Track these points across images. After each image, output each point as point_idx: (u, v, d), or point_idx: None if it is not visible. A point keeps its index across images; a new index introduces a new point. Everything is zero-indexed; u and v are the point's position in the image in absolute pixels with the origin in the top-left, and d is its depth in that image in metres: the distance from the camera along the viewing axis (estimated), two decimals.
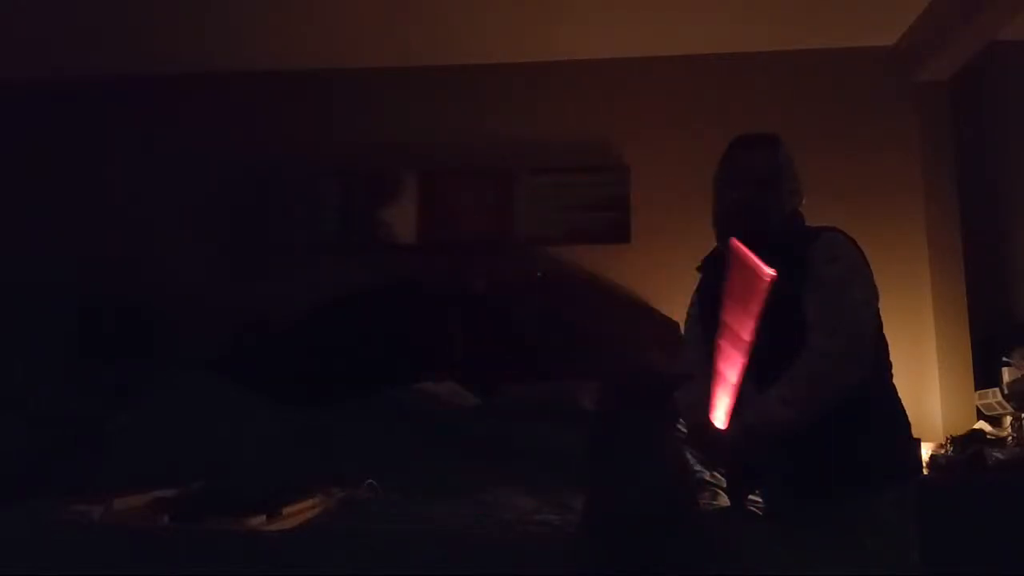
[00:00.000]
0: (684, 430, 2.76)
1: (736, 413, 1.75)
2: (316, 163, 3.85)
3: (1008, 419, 3.13)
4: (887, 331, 1.86)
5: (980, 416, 3.26)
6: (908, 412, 1.86)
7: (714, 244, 1.99)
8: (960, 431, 3.18)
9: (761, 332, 1.78)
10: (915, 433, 1.93)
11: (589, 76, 3.81)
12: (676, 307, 3.05)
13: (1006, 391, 3.11)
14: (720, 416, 1.78)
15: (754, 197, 1.85)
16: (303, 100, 3.94)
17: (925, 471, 2.91)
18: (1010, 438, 3.08)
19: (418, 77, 3.88)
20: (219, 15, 3.48)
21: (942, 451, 3.06)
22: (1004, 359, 3.19)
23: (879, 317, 1.81)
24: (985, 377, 3.30)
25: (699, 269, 2.05)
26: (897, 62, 3.63)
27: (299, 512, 2.05)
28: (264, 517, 1.92)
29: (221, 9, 3.43)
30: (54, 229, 3.87)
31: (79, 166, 3.94)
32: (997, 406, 3.14)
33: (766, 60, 3.71)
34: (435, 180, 3.80)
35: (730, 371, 1.84)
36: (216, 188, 3.82)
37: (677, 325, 3.25)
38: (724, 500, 2.40)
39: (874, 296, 1.79)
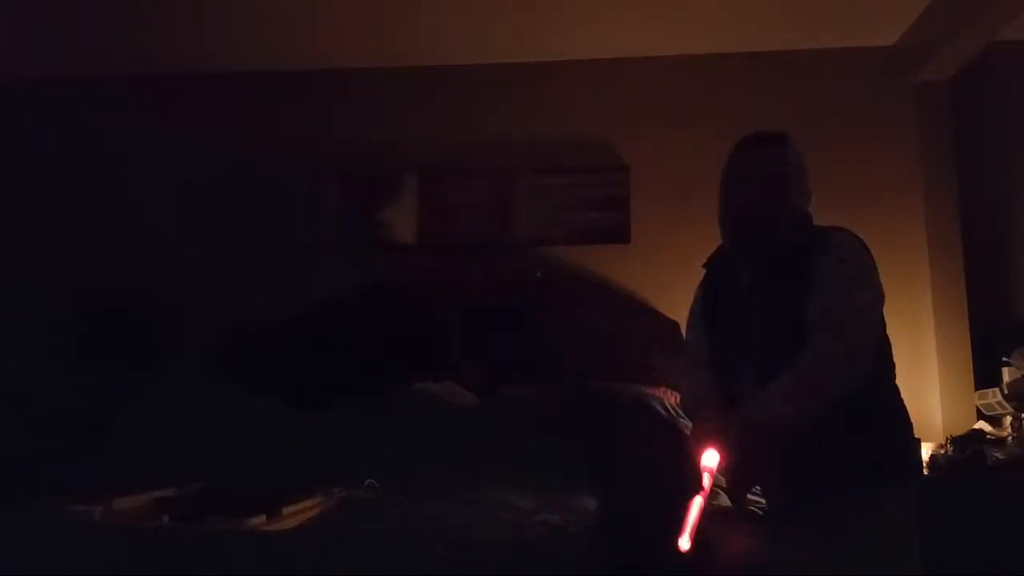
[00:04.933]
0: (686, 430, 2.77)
1: (738, 411, 1.75)
2: (316, 163, 3.86)
3: (1008, 419, 3.13)
4: (887, 331, 1.86)
5: (980, 416, 3.25)
6: (908, 412, 1.86)
7: (717, 242, 1.99)
8: (960, 431, 3.18)
9: (766, 330, 1.78)
10: (915, 433, 1.93)
11: (589, 76, 3.81)
12: (676, 307, 3.06)
13: (1006, 391, 3.10)
14: (723, 414, 1.78)
15: (764, 196, 1.84)
16: (303, 100, 3.94)
17: (925, 471, 2.91)
18: (1010, 438, 3.08)
19: (418, 77, 3.88)
20: (219, 15, 3.48)
21: (942, 451, 3.06)
22: (1004, 359, 3.19)
23: (883, 319, 1.81)
24: (985, 377, 3.30)
25: (705, 266, 2.04)
26: (897, 62, 3.63)
27: (299, 512, 2.05)
28: (264, 517, 1.92)
29: (221, 9, 3.43)
30: (54, 229, 3.87)
31: (79, 166, 3.94)
32: (997, 406, 3.14)
33: (766, 60, 3.71)
34: (435, 180, 3.80)
35: (734, 368, 1.84)
36: (216, 188, 3.81)
37: (677, 325, 3.26)
38: (724, 500, 2.40)
39: (880, 298, 1.79)
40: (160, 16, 3.49)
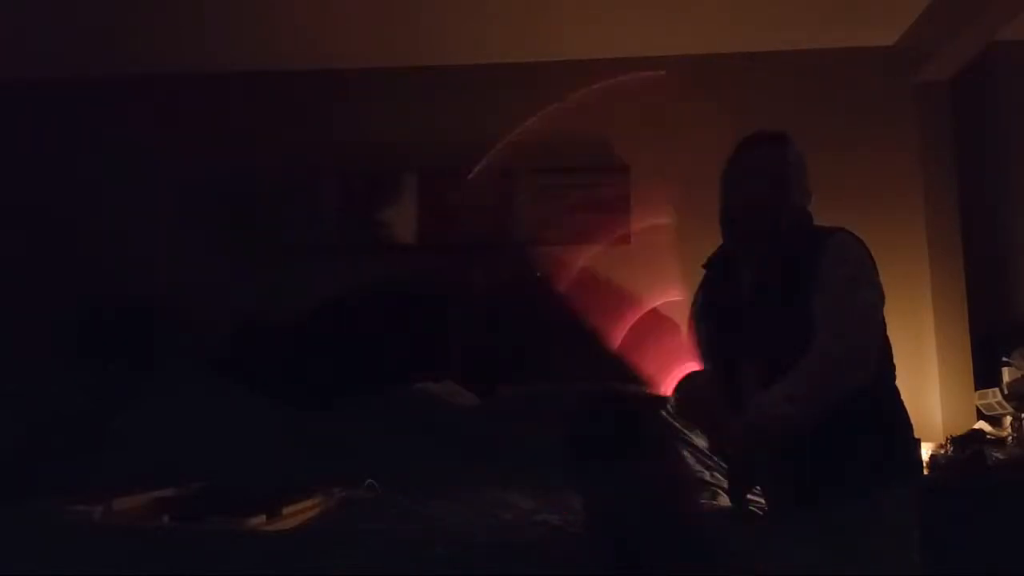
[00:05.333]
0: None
1: (739, 411, 1.75)
2: (316, 163, 3.85)
3: (1008, 419, 3.13)
4: (887, 331, 1.86)
5: (980, 416, 3.25)
6: (908, 412, 1.86)
7: (717, 242, 1.99)
8: (960, 431, 3.18)
9: (767, 331, 1.78)
10: (915, 433, 1.93)
11: (589, 76, 3.81)
12: (676, 307, 3.06)
13: (1006, 391, 3.10)
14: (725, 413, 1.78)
15: (764, 196, 1.84)
16: (303, 100, 3.94)
17: (925, 471, 2.90)
18: (1010, 438, 3.07)
19: (418, 77, 3.88)
20: (219, 15, 3.48)
21: (942, 451, 3.06)
22: (1004, 359, 3.19)
23: (884, 320, 1.81)
24: (985, 377, 3.30)
25: (705, 266, 2.04)
26: (897, 62, 3.63)
27: (299, 512, 2.06)
28: (264, 517, 1.93)
29: (221, 9, 3.43)
30: (54, 229, 3.87)
31: (79, 166, 3.93)
32: (997, 406, 3.14)
33: (766, 60, 3.71)
34: (435, 180, 3.80)
35: (735, 369, 1.84)
36: (216, 188, 3.81)
37: (677, 325, 3.26)
38: (724, 500, 2.40)
39: (881, 299, 1.79)
40: (160, 16, 3.49)
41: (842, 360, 1.68)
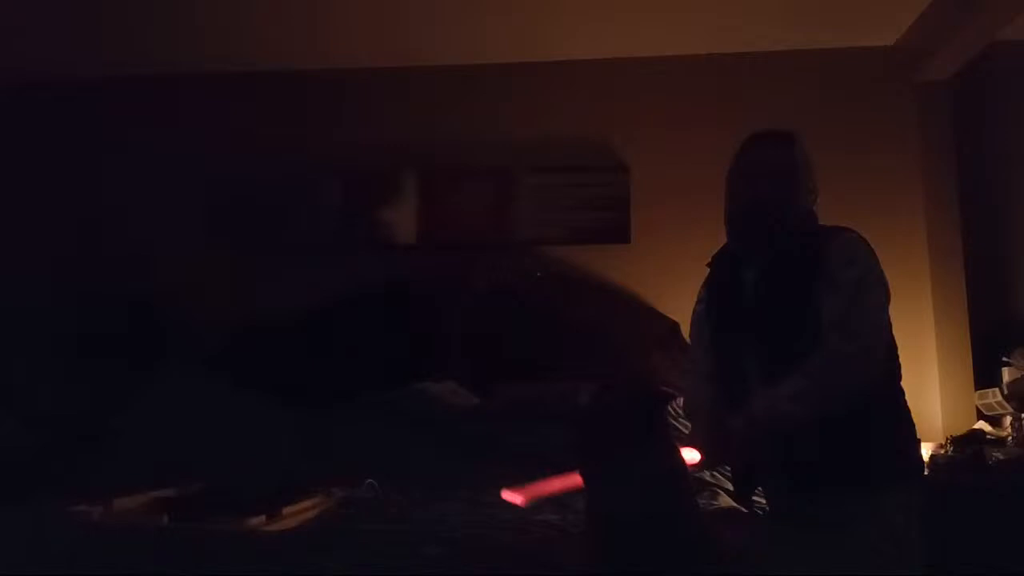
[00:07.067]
0: (684, 429, 2.77)
1: (743, 410, 1.74)
2: (316, 163, 3.86)
3: (1008, 419, 3.13)
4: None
5: (980, 416, 3.26)
6: (911, 412, 1.86)
7: (718, 242, 1.98)
8: (960, 431, 3.18)
9: (771, 329, 1.78)
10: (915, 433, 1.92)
11: (589, 76, 3.81)
12: (676, 307, 3.06)
13: (1006, 391, 3.10)
14: (727, 413, 1.78)
15: (769, 194, 1.84)
16: (303, 100, 3.94)
17: (925, 471, 2.90)
18: (1010, 438, 3.07)
19: (418, 77, 3.88)
20: (219, 15, 3.48)
21: (942, 451, 3.06)
22: (1004, 359, 3.19)
23: (890, 320, 1.81)
24: (985, 377, 3.30)
25: (709, 265, 2.04)
26: (897, 62, 3.63)
27: (299, 512, 2.06)
28: (264, 517, 1.93)
29: (221, 9, 3.43)
30: (54, 229, 3.87)
31: (79, 166, 3.93)
32: (997, 406, 3.14)
33: (766, 60, 3.71)
34: (435, 180, 3.80)
35: (738, 367, 1.84)
36: (216, 188, 3.81)
37: (677, 325, 3.26)
38: (724, 500, 2.40)
39: (887, 299, 1.79)
40: (159, 16, 3.49)
41: (850, 362, 1.68)
